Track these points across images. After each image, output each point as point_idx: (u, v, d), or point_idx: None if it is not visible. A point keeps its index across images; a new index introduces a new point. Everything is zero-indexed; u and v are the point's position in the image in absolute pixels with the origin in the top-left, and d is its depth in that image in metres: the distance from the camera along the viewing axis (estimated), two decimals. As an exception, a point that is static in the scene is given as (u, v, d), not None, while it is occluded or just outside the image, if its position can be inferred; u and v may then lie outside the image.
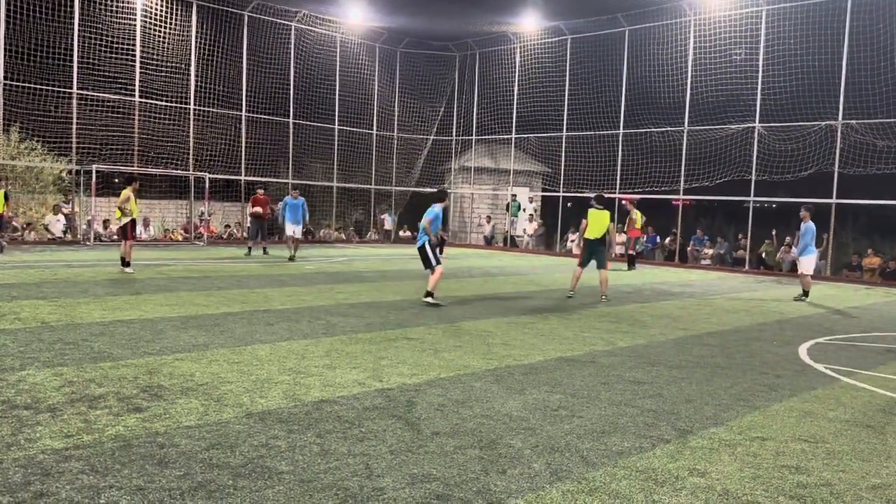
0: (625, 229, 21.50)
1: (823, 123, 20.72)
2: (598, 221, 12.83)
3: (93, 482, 3.74)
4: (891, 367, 7.89)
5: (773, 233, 23.11)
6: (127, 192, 14.22)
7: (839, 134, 20.42)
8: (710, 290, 15.82)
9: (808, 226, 14.19)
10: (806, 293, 14.52)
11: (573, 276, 13.25)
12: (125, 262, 14.19)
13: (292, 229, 18.90)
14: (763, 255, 22.84)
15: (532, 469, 4.24)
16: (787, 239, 22.05)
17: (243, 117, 25.68)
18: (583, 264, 13.19)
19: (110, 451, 4.20)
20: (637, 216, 20.91)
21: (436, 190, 12.14)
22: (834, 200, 20.63)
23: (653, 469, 4.33)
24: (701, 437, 5.00)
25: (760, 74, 21.83)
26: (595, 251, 12.95)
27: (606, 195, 15.84)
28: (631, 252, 21.31)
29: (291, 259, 18.38)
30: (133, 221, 14.55)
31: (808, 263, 14.38)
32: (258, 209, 20.02)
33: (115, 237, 19.32)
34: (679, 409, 5.73)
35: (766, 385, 6.73)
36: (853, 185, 21.11)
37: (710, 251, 24.13)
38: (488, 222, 30.41)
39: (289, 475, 3.97)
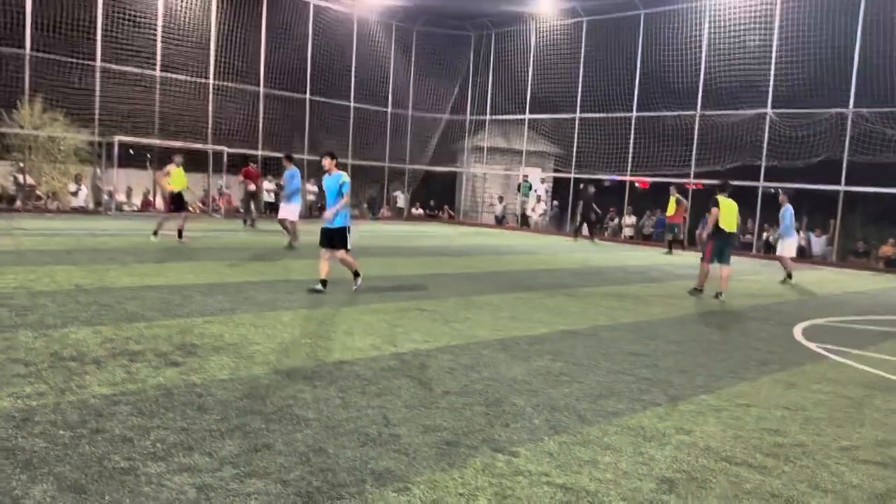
0: (667, 214, 21.71)
1: (834, 111, 20.89)
2: (733, 212, 11.44)
3: (141, 423, 4.22)
4: (880, 348, 8.28)
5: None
6: (169, 166, 14.83)
7: (850, 122, 20.58)
8: (716, 273, 16.13)
9: (787, 209, 14.57)
10: (790, 275, 14.70)
11: (702, 272, 11.72)
12: (179, 234, 14.78)
13: (285, 210, 15.43)
14: (770, 239, 23.10)
15: (533, 424, 4.69)
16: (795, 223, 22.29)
17: (261, 93, 26.07)
18: (711, 260, 11.57)
19: (154, 398, 4.68)
20: (673, 203, 20.96)
21: (329, 156, 9.93)
22: (842, 188, 20.85)
23: (642, 427, 4.77)
24: (690, 403, 5.43)
25: (773, 61, 21.98)
26: (725, 246, 11.48)
27: (684, 184, 13.71)
28: (669, 237, 21.49)
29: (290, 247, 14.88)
30: (175, 195, 14.72)
31: (789, 247, 14.72)
32: (249, 183, 20.83)
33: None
34: (672, 378, 6.17)
35: (758, 360, 7.14)
36: (862, 172, 21.28)
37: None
38: (500, 202, 30.77)
39: (315, 422, 4.43)
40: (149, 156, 26.69)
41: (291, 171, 15.27)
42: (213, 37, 24.69)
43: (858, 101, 20.56)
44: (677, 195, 21.06)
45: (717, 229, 11.37)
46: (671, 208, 21.09)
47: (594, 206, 24.33)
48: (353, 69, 28.67)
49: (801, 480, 4.05)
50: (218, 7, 24.73)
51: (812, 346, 8.09)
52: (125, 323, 6.84)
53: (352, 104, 28.75)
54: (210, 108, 24.83)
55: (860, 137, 20.48)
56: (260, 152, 26.34)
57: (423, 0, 27.59)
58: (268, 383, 5.18)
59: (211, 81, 24.80)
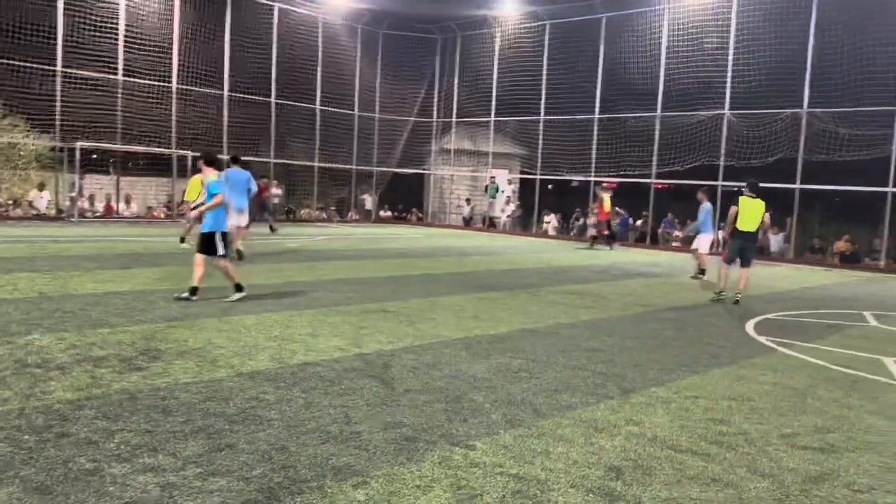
0: (594, 211, 22.62)
1: (790, 111, 21.50)
2: (753, 211, 11.23)
3: (106, 426, 4.31)
4: (827, 340, 8.63)
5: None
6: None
7: (804, 122, 21.20)
8: (674, 270, 16.57)
9: (706, 207, 15.00)
10: (702, 271, 14.90)
11: (719, 275, 11.63)
12: (181, 239, 15.64)
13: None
14: (682, 235, 23.72)
15: (490, 418, 4.87)
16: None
17: (225, 96, 25.95)
18: (730, 261, 11.51)
19: (118, 402, 4.76)
20: (607, 200, 21.85)
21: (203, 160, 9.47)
22: (798, 186, 21.46)
23: (595, 419, 4.98)
24: (641, 395, 5.67)
25: (730, 63, 22.54)
26: (745, 246, 11.42)
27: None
28: (605, 232, 22.30)
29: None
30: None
31: (703, 242, 15.05)
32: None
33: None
34: (626, 372, 6.40)
35: (709, 354, 7.42)
36: (817, 171, 21.92)
37: (680, 233, 24.93)
38: (467, 203, 31.01)
39: (277, 421, 4.56)
40: (111, 161, 26.39)
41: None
42: (175, 40, 24.52)
43: (812, 101, 21.18)
44: (603, 194, 22.07)
45: (735, 229, 11.32)
46: (606, 206, 22.00)
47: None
48: (319, 72, 28.68)
49: (741, 466, 4.28)
50: (181, 10, 24.57)
51: (762, 339, 8.41)
52: (89, 329, 6.88)
53: (318, 107, 28.76)
54: (173, 113, 24.65)
55: (814, 137, 21.10)
56: (225, 157, 26.18)
57: (388, 4, 27.72)
58: (231, 386, 5.29)
59: (174, 85, 24.63)
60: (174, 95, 24.64)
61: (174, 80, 24.60)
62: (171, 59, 24.50)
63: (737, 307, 10.95)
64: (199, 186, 14.60)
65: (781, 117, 21.66)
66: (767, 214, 11.42)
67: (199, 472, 3.69)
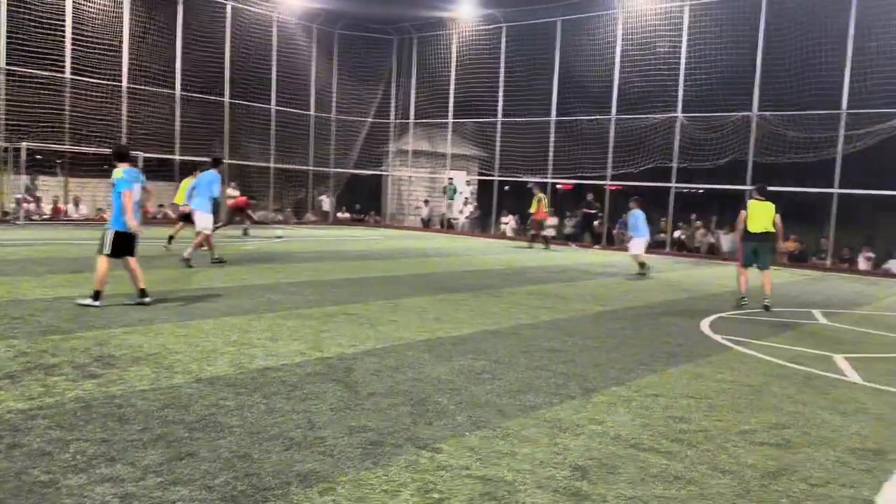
0: (532, 212, 23.10)
1: (740, 114, 22.05)
2: (762, 214, 11.15)
3: (60, 436, 4.17)
4: (780, 338, 8.86)
5: (693, 217, 24.45)
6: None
7: (754, 124, 21.77)
8: (630, 271, 16.80)
9: (638, 213, 15.94)
10: (642, 265, 15.69)
11: (739, 279, 11.54)
12: (170, 239, 15.24)
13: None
14: (682, 238, 24.16)
15: (455, 420, 4.86)
16: (700, 223, 23.58)
17: (177, 96, 25.44)
18: (746, 265, 11.47)
19: (72, 411, 4.61)
20: (543, 200, 22.40)
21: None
22: (748, 187, 21.97)
23: (558, 419, 5.02)
24: (603, 395, 5.73)
25: (683, 67, 23.02)
26: (758, 249, 11.29)
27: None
28: (545, 234, 22.89)
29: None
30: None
31: (637, 246, 15.94)
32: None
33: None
34: (587, 372, 6.47)
35: (667, 352, 7.55)
36: (767, 173, 22.51)
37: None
38: (426, 205, 30.99)
39: (239, 428, 4.47)
40: (59, 162, 25.63)
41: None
42: (125, 38, 23.94)
43: (762, 105, 21.76)
44: (541, 194, 22.59)
45: (745, 232, 11.31)
46: (535, 206, 22.46)
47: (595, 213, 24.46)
48: (274, 72, 28.33)
49: (702, 463, 4.36)
50: (131, 8, 24.00)
51: (718, 337, 8.59)
52: (39, 336, 6.66)
53: (273, 107, 28.41)
54: (124, 112, 24.06)
55: (763, 140, 21.68)
56: (177, 157, 25.69)
57: (343, 4, 27.54)
58: (190, 392, 5.17)
59: (124, 84, 24.04)
60: (124, 95, 24.05)
61: (124, 78, 24.02)
62: (121, 57, 23.91)
63: (687, 309, 11.16)
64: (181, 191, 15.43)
65: (732, 120, 22.19)
66: (778, 216, 11.21)
67: (159, 482, 3.60)
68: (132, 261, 8.58)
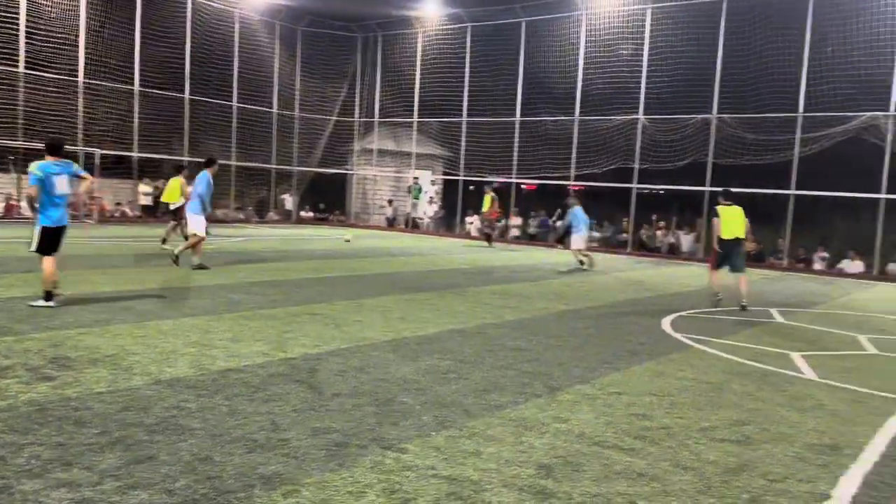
0: (483, 211, 23.54)
1: (700, 117, 22.44)
2: (734, 220, 11.42)
3: (14, 440, 4.04)
4: (739, 336, 9.03)
5: (654, 217, 24.81)
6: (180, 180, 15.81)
7: (714, 127, 22.18)
8: (593, 270, 16.98)
9: (576, 210, 16.80)
10: (581, 261, 16.80)
11: (713, 280, 11.83)
12: (164, 241, 15.47)
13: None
14: (644, 238, 24.49)
15: (421, 420, 4.85)
16: (662, 223, 23.98)
17: (136, 91, 24.93)
18: (718, 267, 11.72)
19: (27, 414, 4.48)
20: (495, 199, 22.76)
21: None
22: (708, 188, 22.39)
23: (524, 418, 5.03)
24: (567, 393, 5.77)
25: (645, 69, 23.35)
26: (732, 254, 11.53)
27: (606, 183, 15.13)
28: (487, 231, 23.23)
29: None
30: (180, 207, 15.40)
31: (576, 242, 16.92)
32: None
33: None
34: (552, 370, 6.50)
35: (629, 351, 7.64)
36: (726, 174, 22.95)
37: (598, 234, 25.59)
38: (390, 204, 30.88)
39: (200, 431, 4.39)
40: (11, 158, 24.91)
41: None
42: (82, 32, 23.38)
43: (721, 107, 22.18)
44: (492, 193, 22.97)
45: (719, 239, 11.49)
46: (486, 205, 22.89)
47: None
48: (236, 68, 27.95)
49: (664, 460, 4.41)
50: (88, 1, 23.44)
51: (678, 336, 8.72)
52: (-9, 337, 6.45)
53: (234, 104, 28.02)
54: (80, 108, 23.49)
55: (723, 142, 22.11)
56: (135, 154, 25.19)
57: (308, 0, 27.29)
58: (149, 394, 5.06)
59: (80, 79, 23.48)
60: (81, 90, 23.49)
61: (81, 73, 23.46)
62: (77, 51, 23.34)
63: (649, 307, 11.32)
64: (178, 188, 15.81)
65: (692, 122, 22.57)
66: (747, 221, 11.52)
67: (117, 486, 3.51)
68: (49, 259, 8.07)
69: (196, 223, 12.66)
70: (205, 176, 12.82)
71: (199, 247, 12.61)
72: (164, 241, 15.50)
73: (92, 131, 23.86)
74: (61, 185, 8.05)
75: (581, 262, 16.80)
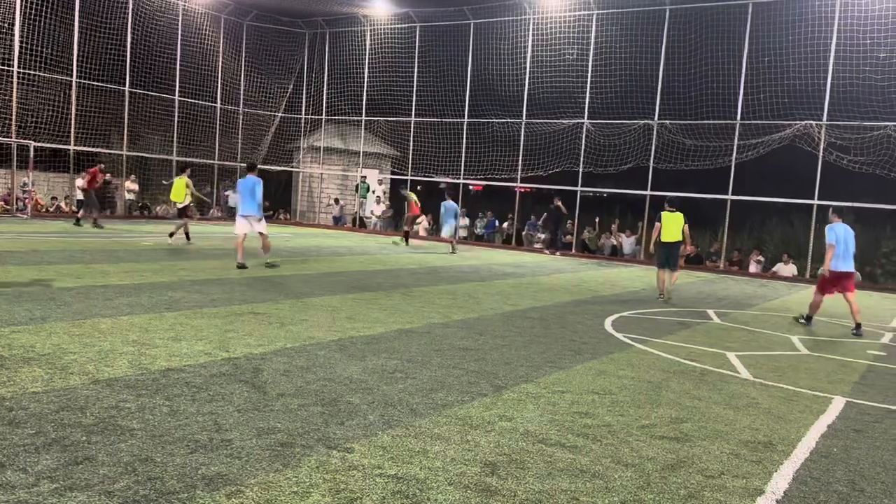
0: (407, 211, 24.00)
1: (642, 122, 22.99)
2: (674, 224, 12.90)
3: (-59, 442, 3.88)
4: (678, 336, 9.29)
5: (597, 220, 25.30)
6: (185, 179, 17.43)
7: (655, 132, 22.74)
8: (539, 271, 17.24)
9: (448, 204, 20.71)
10: (453, 250, 20.54)
11: (658, 279, 13.19)
12: (187, 237, 17.36)
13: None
14: (586, 240, 24.94)
15: (367, 420, 4.84)
16: (613, 227, 24.41)
17: (74, 83, 24.14)
18: (662, 266, 13.16)
19: (-45, 416, 4.30)
20: (414, 199, 23.23)
21: None
22: (649, 192, 22.95)
23: (470, 416, 5.08)
24: (512, 392, 5.84)
25: (590, 74, 23.79)
26: (670, 254, 13.05)
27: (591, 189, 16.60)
28: (406, 229, 23.63)
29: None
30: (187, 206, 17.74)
31: (445, 231, 20.85)
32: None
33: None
34: (498, 370, 6.58)
35: (573, 350, 7.78)
36: (666, 178, 23.58)
37: (543, 235, 25.95)
38: (337, 203, 30.64)
39: (140, 431, 4.29)
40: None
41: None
42: (17, 20, 22.49)
43: (662, 113, 22.75)
44: (407, 192, 23.77)
45: (659, 241, 13.08)
46: (410, 205, 23.49)
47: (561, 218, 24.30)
48: (178, 61, 27.31)
49: (606, 457, 4.51)
50: (23, -13, 22.59)
51: (620, 336, 8.92)
52: (-85, 336, 6.17)
53: (177, 97, 27.38)
54: (14, 99, 22.60)
55: (664, 147, 22.69)
56: (72, 147, 24.37)
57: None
58: (87, 394, 4.92)
59: (15, 69, 22.59)
60: (15, 80, 22.60)
61: (15, 63, 22.57)
62: (12, 40, 22.44)
63: (591, 308, 11.56)
64: (184, 188, 17.26)
65: (634, 127, 23.09)
66: (686, 226, 13.02)
67: (54, 488, 3.41)
68: None
69: (260, 225, 13.37)
70: (259, 181, 13.48)
71: (241, 246, 13.22)
72: (170, 234, 17.04)
73: (26, 123, 22.99)
74: None
75: (453, 250, 20.10)
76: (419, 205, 23.63)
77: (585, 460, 4.41)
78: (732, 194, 22.01)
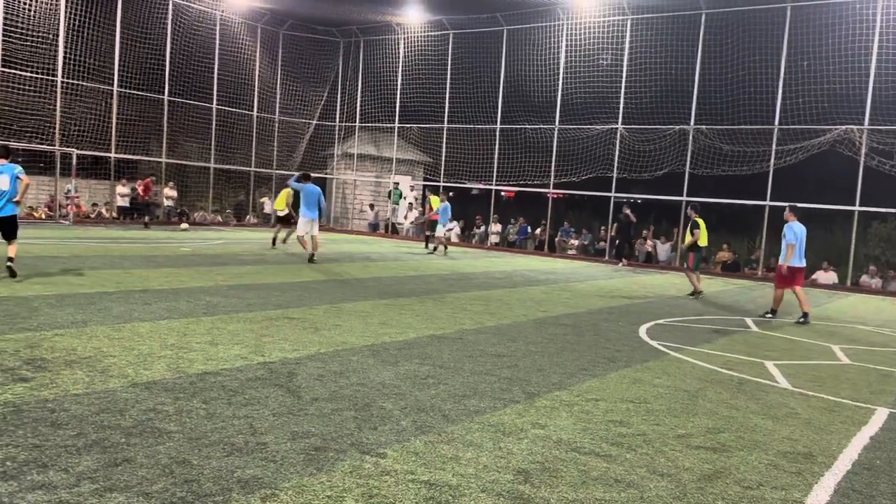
0: (425, 213, 24.71)
1: (678, 127, 22.72)
2: (705, 230, 14.58)
3: (-13, 442, 3.99)
4: (714, 345, 9.15)
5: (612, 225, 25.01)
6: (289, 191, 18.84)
7: (691, 137, 22.46)
8: (572, 278, 17.13)
9: (445, 205, 21.43)
10: (440, 248, 21.74)
11: (694, 280, 14.80)
12: (273, 242, 19.36)
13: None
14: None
15: (400, 425, 4.85)
16: (645, 233, 24.11)
17: (115, 92, 24.70)
18: (697, 269, 14.88)
19: (2, 416, 4.41)
20: (435, 203, 23.25)
21: None
22: (684, 198, 22.66)
23: (502, 423, 5.06)
24: (545, 399, 5.81)
25: (624, 79, 23.59)
26: (703, 257, 15.08)
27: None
28: (428, 233, 23.77)
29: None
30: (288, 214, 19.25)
31: (440, 230, 21.74)
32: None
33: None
34: (530, 376, 6.55)
35: (607, 358, 7.71)
36: (702, 184, 23.27)
37: (576, 242, 25.79)
38: (372, 209, 30.84)
39: (178, 434, 4.36)
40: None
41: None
42: (61, 32, 23.12)
43: (698, 118, 22.47)
44: (434, 196, 23.83)
45: (697, 245, 14.41)
46: (433, 206, 23.66)
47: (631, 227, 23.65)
48: (216, 70, 27.79)
49: (641, 466, 4.46)
50: (67, 0, 23.19)
51: (655, 344, 8.81)
52: (-37, 338, 6.36)
53: (214, 106, 27.85)
54: (58, 108, 23.21)
55: (700, 152, 22.40)
56: (113, 154, 24.93)
57: (290, 4, 27.24)
58: (126, 397, 5.02)
59: (59, 79, 23.21)
60: (59, 89, 23.22)
61: (59, 73, 23.19)
62: (56, 51, 23.07)
63: (626, 315, 11.44)
64: (286, 198, 19.11)
65: (670, 133, 22.84)
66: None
67: (94, 489, 3.48)
68: (11, 244, 10.46)
69: (302, 226, 16.14)
70: (321, 191, 16.35)
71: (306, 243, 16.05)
72: (283, 240, 19.40)
73: (69, 131, 23.58)
74: (2, 182, 10.21)
75: (438, 249, 21.47)
76: (436, 210, 23.83)
77: (620, 469, 4.36)
78: (771, 200, 21.61)
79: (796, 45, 20.93)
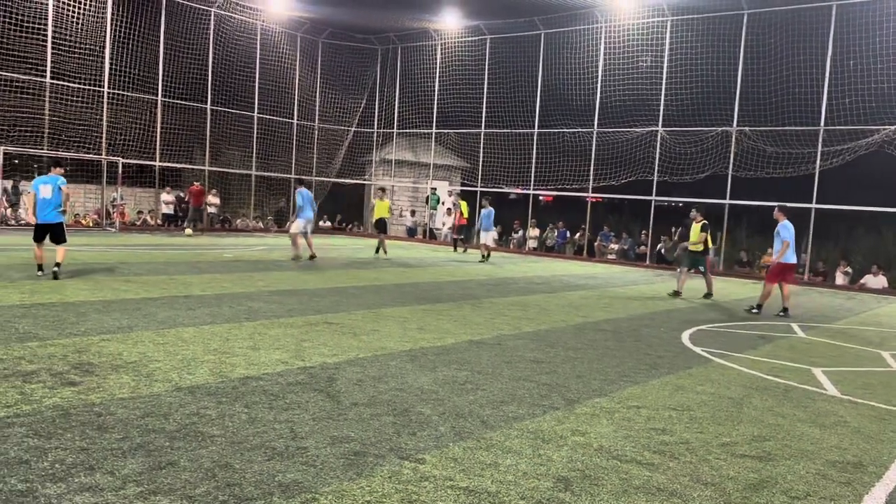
0: (454, 217, 24.97)
1: (720, 129, 22.33)
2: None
3: (38, 444, 4.10)
4: (759, 351, 8.94)
5: (673, 230, 24.65)
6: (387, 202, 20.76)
7: (733, 139, 22.05)
8: (611, 283, 16.94)
9: (484, 211, 21.52)
10: (484, 256, 21.29)
11: (709, 282, 15.43)
12: (377, 250, 20.64)
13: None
14: (662, 251, 24.33)
15: (439, 431, 4.85)
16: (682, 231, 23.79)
17: (159, 102, 25.27)
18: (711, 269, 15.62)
19: (50, 419, 4.54)
20: (464, 207, 24.23)
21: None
22: (727, 201, 22.27)
23: (541, 430, 5.02)
24: (585, 406, 5.75)
25: (664, 81, 23.29)
26: (696, 261, 15.29)
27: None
28: (455, 237, 24.44)
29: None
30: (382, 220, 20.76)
31: (484, 237, 21.68)
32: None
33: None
34: (570, 383, 6.48)
35: (649, 364, 7.60)
36: (745, 187, 22.81)
37: (616, 246, 25.51)
38: (412, 215, 30.97)
39: (220, 438, 4.43)
40: (36, 166, 25.29)
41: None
42: (107, 44, 23.76)
43: (741, 120, 22.06)
44: (463, 202, 24.85)
45: (707, 248, 15.07)
46: (463, 213, 24.57)
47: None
48: (257, 79, 28.25)
49: (684, 475, 4.38)
50: (113, 13, 23.84)
51: (698, 349, 8.66)
52: (16, 343, 6.55)
53: (255, 114, 28.30)
54: (104, 118, 23.84)
55: (743, 154, 21.97)
56: (157, 163, 25.50)
57: (328, 13, 27.56)
58: (170, 401, 5.11)
59: (105, 90, 23.84)
60: (105, 100, 23.85)
61: (105, 84, 23.82)
62: (102, 62, 23.71)
63: (667, 321, 11.27)
64: (387, 207, 20.75)
65: (712, 135, 22.46)
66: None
67: (139, 492, 3.55)
68: (60, 248, 11.12)
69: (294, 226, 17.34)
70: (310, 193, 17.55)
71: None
72: (384, 251, 20.57)
73: (115, 141, 24.20)
74: (45, 191, 10.94)
75: (484, 257, 21.11)
76: (465, 215, 24.47)
77: (662, 478, 4.29)
78: (816, 203, 21.09)
79: (842, 43, 20.42)
